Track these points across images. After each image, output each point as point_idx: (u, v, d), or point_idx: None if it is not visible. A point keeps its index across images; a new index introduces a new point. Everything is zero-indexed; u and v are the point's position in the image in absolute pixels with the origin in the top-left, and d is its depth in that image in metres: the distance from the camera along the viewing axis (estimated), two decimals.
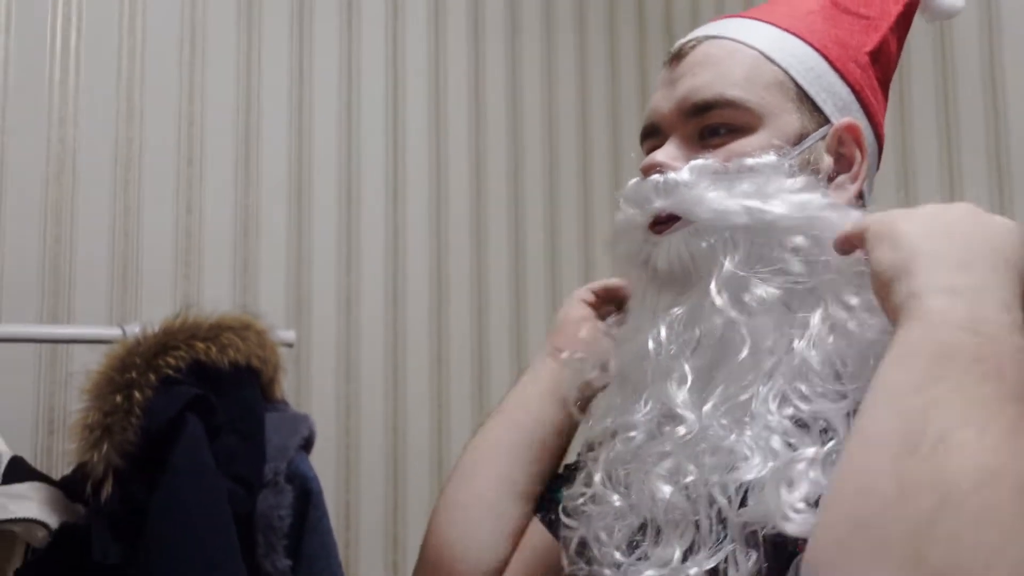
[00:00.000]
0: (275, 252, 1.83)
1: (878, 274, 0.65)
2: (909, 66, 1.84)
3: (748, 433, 0.70)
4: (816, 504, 0.63)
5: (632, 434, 0.76)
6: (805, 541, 0.59)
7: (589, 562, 0.78)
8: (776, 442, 0.68)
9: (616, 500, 0.75)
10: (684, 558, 0.70)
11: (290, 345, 1.58)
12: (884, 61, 0.87)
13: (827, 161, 0.80)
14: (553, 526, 0.92)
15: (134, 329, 1.43)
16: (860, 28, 0.85)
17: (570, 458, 0.94)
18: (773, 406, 0.70)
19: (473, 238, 2.07)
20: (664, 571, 0.70)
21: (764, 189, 0.76)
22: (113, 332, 1.45)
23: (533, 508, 0.93)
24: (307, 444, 1.46)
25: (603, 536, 0.75)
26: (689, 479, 0.71)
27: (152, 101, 1.73)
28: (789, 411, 0.70)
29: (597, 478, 0.77)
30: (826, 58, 0.82)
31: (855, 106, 0.83)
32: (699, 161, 0.78)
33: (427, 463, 1.97)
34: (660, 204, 0.78)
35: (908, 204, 1.86)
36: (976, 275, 0.61)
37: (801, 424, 0.69)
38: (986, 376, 0.54)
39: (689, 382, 0.73)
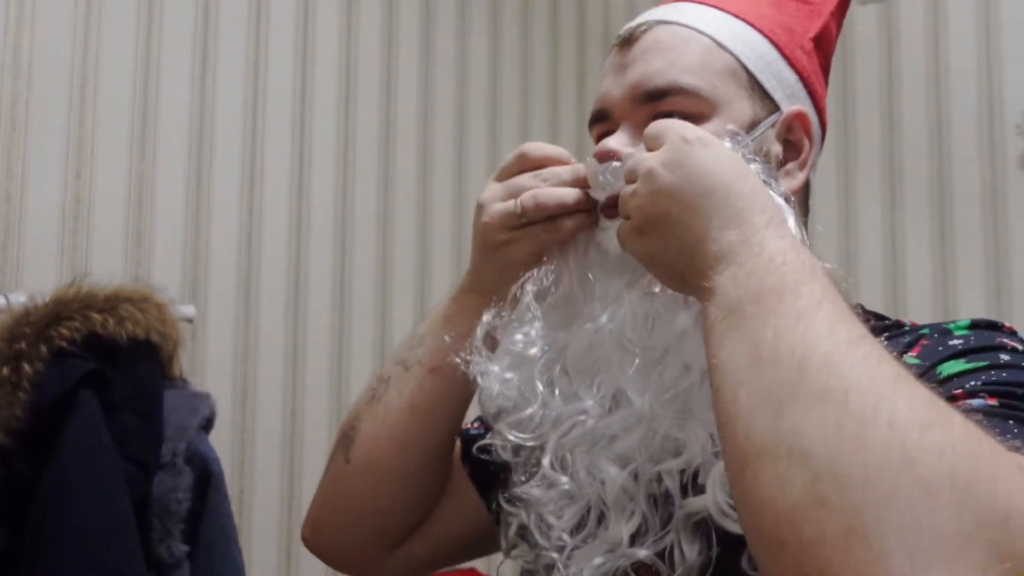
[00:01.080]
0: (171, 224, 1.74)
1: (652, 266, 0.69)
2: (852, 49, 1.90)
3: (690, 422, 0.70)
4: None
5: (583, 418, 0.74)
6: None
7: (532, 546, 0.77)
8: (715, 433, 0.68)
9: (565, 483, 0.74)
10: (631, 542, 0.70)
11: (190, 320, 1.50)
12: (826, 46, 0.88)
13: (776, 148, 0.81)
14: (482, 483, 0.91)
15: (19, 297, 1.34)
16: (804, 14, 0.87)
17: None
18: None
19: (379, 217, 2.02)
20: (613, 554, 0.70)
21: None
22: None
23: (444, 467, 0.91)
24: (208, 424, 1.39)
25: (551, 519, 0.74)
26: (635, 463, 0.71)
27: (42, 55, 1.61)
28: None
29: (545, 462, 0.75)
30: (775, 45, 0.82)
31: (802, 93, 0.83)
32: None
33: (325, 447, 1.91)
34: (611, 189, 0.77)
35: (848, 185, 1.91)
36: (740, 229, 0.63)
37: None
38: (758, 297, 0.58)
39: (637, 367, 0.72)
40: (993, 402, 0.59)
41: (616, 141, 0.78)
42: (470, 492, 0.92)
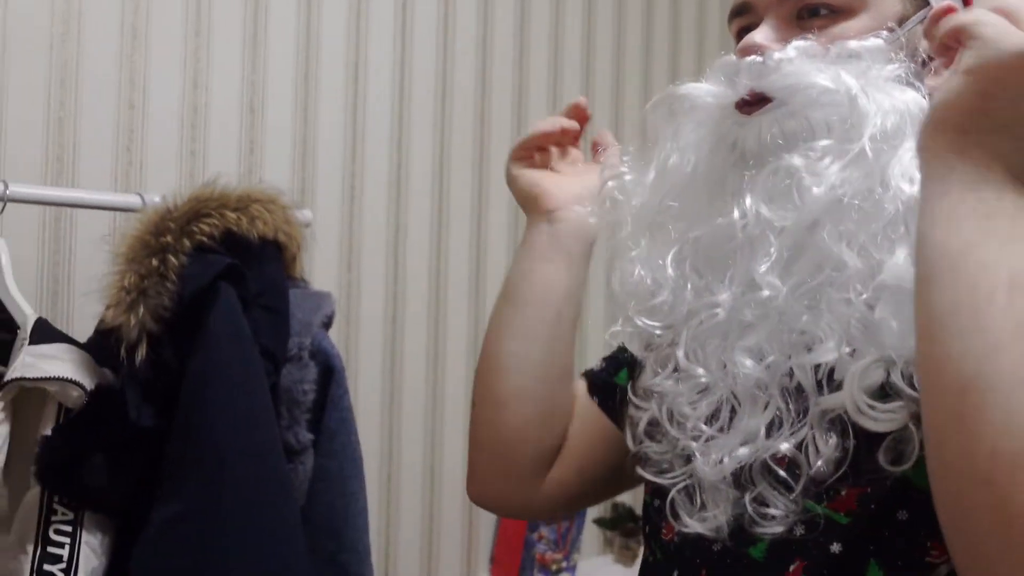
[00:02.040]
0: (281, 133, 1.80)
1: (951, 111, 0.60)
2: None
3: (825, 317, 0.69)
4: (890, 394, 0.64)
5: (716, 311, 0.75)
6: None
7: (661, 440, 0.78)
8: (854, 327, 0.68)
9: (701, 374, 0.74)
10: (767, 434, 0.71)
11: (307, 225, 1.56)
12: None
13: (925, 45, 0.79)
14: (613, 411, 0.93)
15: (153, 197, 1.40)
16: None
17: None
18: (852, 295, 0.69)
19: (476, 113, 2.05)
20: (752, 446, 0.71)
21: (867, 75, 0.74)
22: (132, 199, 1.41)
23: (571, 382, 0.94)
24: (329, 322, 1.46)
25: (686, 410, 0.75)
26: (771, 358, 0.71)
27: None
28: (864, 297, 0.69)
29: (680, 353, 0.76)
30: None
31: None
32: (801, 42, 0.76)
33: (423, 347, 1.99)
34: (753, 84, 0.76)
35: None
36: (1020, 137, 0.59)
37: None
38: None
39: (773, 260, 0.72)
40: None
41: (762, 35, 0.78)
42: (602, 420, 0.94)
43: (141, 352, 1.20)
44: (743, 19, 0.82)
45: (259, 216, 1.34)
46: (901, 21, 0.78)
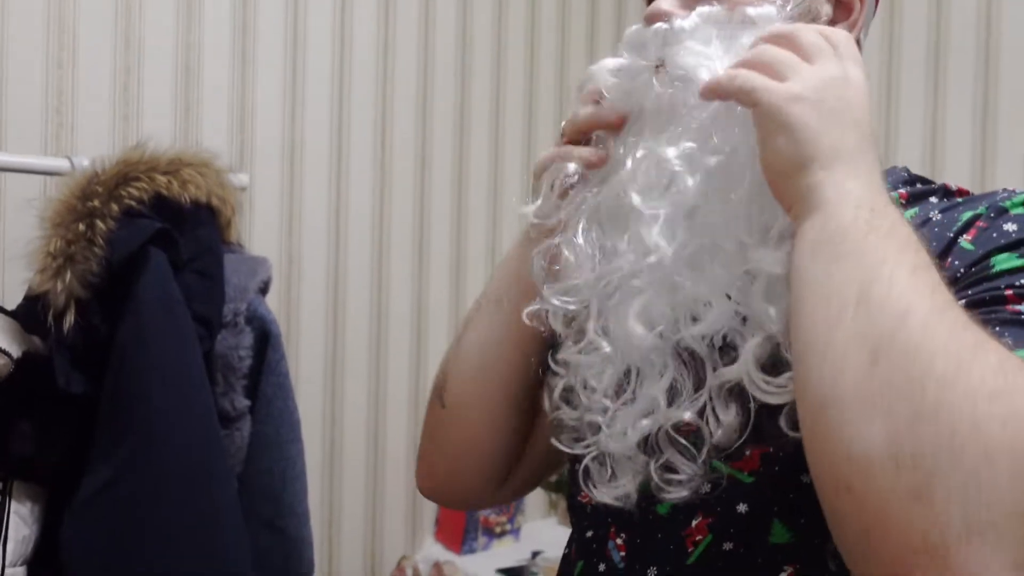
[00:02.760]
0: (218, 94, 1.76)
1: (774, 165, 0.65)
2: None
3: (708, 281, 0.70)
4: (781, 367, 0.66)
5: (618, 275, 0.74)
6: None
7: (576, 407, 0.77)
8: (735, 292, 0.69)
9: (605, 347, 0.74)
10: (669, 403, 0.71)
11: (243, 189, 1.54)
12: None
13: (826, 8, 0.80)
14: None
15: (83, 161, 1.37)
16: None
17: None
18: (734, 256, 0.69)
19: (419, 78, 2.03)
20: (654, 416, 0.71)
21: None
22: (60, 163, 1.38)
23: (530, 398, 0.90)
24: (265, 287, 1.44)
25: (592, 382, 0.75)
26: (661, 326, 0.71)
27: None
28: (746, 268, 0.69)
29: (590, 327, 0.75)
30: None
31: None
32: (705, 8, 0.76)
33: (366, 316, 1.98)
34: (659, 53, 0.76)
35: (891, 54, 1.90)
36: (865, 161, 0.63)
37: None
38: (883, 239, 0.59)
39: (661, 221, 0.71)
40: None
41: (668, 2, 0.78)
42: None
43: (69, 318, 1.18)
44: None
45: (191, 180, 1.32)
46: None
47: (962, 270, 0.67)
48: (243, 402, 1.37)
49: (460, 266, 2.12)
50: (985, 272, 0.65)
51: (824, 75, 0.65)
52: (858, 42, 0.83)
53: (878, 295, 0.56)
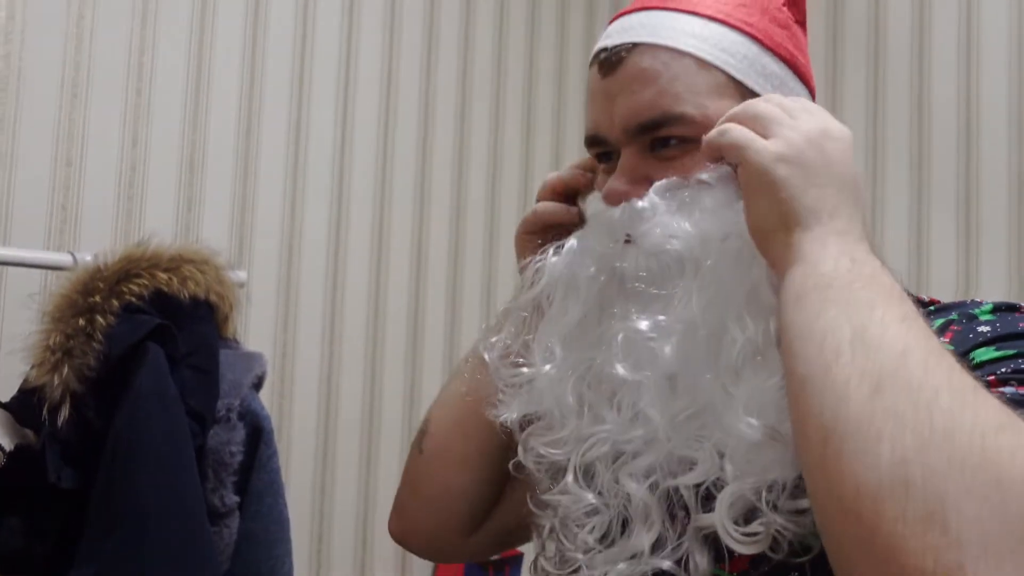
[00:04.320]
0: (220, 192, 1.81)
1: (757, 223, 0.69)
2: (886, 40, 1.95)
3: (704, 442, 0.71)
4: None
5: (604, 436, 0.76)
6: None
7: (559, 546, 0.79)
8: (732, 450, 0.70)
9: (590, 498, 0.76)
10: (652, 551, 0.73)
11: (241, 285, 1.56)
12: (798, 2, 0.87)
13: None
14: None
15: (85, 256, 1.40)
16: None
17: None
18: (733, 419, 0.70)
19: (417, 187, 2.08)
20: (635, 560, 0.73)
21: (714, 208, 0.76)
22: (63, 258, 1.41)
23: (507, 453, 0.90)
24: (259, 383, 1.46)
25: (575, 529, 0.77)
26: (654, 477, 0.73)
27: (102, 24, 1.68)
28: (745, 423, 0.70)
29: (569, 478, 0.77)
30: (754, 39, 0.81)
31: (789, 77, 0.83)
32: (662, 182, 0.78)
33: (359, 412, 1.98)
34: (628, 230, 0.78)
35: (876, 115, 1.92)
36: (844, 217, 0.67)
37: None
38: (867, 286, 0.62)
39: (655, 388, 0.73)
40: (1022, 391, 0.64)
41: (622, 182, 0.79)
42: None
43: (64, 412, 1.19)
44: (599, 149, 0.84)
45: (191, 276, 1.34)
46: None
47: None
48: (232, 498, 1.37)
49: (454, 364, 2.14)
50: (967, 364, 0.67)
51: (807, 130, 0.69)
52: None
53: (873, 336, 0.58)
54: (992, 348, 0.69)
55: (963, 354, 0.69)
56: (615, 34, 0.82)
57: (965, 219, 1.85)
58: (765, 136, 0.69)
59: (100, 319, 1.22)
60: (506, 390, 0.82)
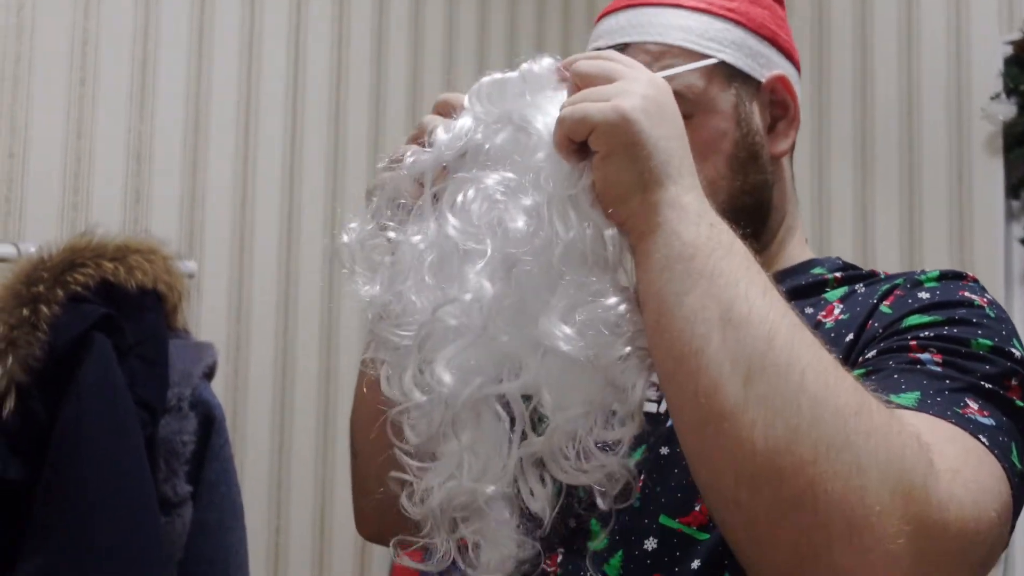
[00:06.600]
0: (168, 182, 1.79)
1: (612, 191, 0.64)
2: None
3: (527, 338, 0.64)
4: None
5: (427, 317, 0.66)
6: None
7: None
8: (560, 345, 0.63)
9: (417, 396, 0.66)
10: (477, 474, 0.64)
11: (191, 276, 1.56)
12: None
13: (766, 118, 0.85)
14: None
15: (29, 248, 1.39)
16: None
17: None
18: (555, 318, 0.63)
19: (369, 171, 2.08)
20: (457, 481, 0.65)
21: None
22: (6, 249, 1.40)
23: None
24: (210, 372, 1.45)
25: (406, 430, 0.67)
26: (479, 379, 0.64)
27: (44, 15, 1.66)
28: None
29: (407, 376, 0.67)
30: (739, 24, 0.84)
31: (773, 53, 0.85)
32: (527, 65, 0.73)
33: (314, 404, 1.98)
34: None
35: (821, 106, 1.97)
36: (688, 168, 0.65)
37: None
38: (727, 255, 0.62)
39: (486, 261, 0.65)
40: (938, 359, 0.67)
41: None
42: None
43: (9, 404, 1.18)
44: None
45: (138, 266, 1.33)
46: (738, 107, 0.83)
47: (881, 330, 0.72)
48: (185, 488, 1.36)
49: None
50: (897, 328, 0.71)
51: (641, 86, 0.65)
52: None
53: (741, 314, 0.59)
54: (924, 315, 0.71)
55: (899, 318, 0.71)
56: (606, 35, 0.84)
57: (908, 204, 1.89)
58: (605, 100, 0.64)
59: (45, 309, 1.21)
60: (369, 274, 0.72)
